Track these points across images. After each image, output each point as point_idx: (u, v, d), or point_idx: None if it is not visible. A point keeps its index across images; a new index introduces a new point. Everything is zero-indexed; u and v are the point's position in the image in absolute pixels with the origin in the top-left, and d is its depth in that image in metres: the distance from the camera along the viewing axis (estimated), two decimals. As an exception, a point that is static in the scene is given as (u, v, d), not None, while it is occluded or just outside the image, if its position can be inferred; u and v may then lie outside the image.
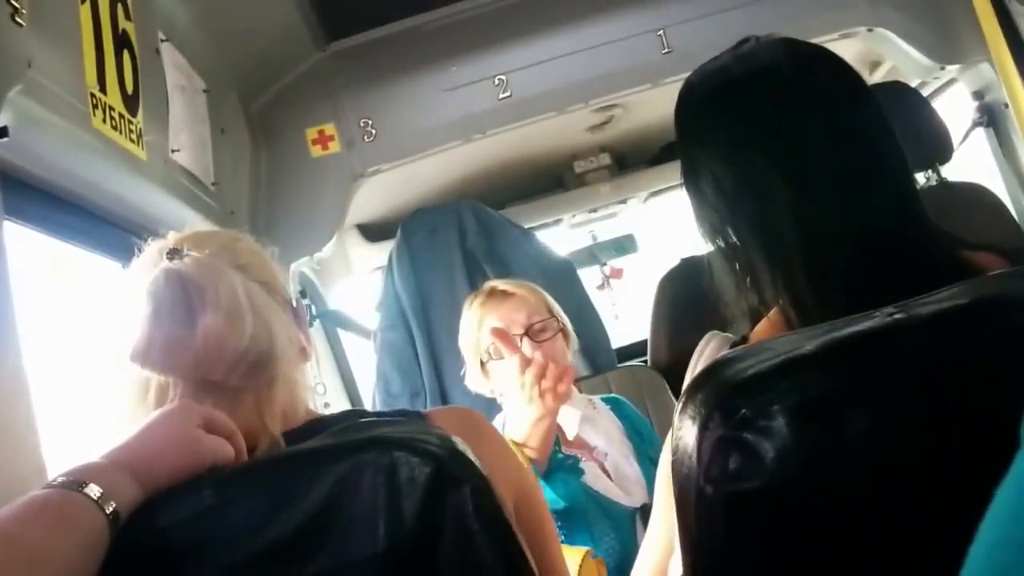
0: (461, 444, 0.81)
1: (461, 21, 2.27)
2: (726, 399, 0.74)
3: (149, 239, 0.97)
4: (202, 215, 1.80)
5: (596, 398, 1.90)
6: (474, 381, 1.82)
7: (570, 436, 1.74)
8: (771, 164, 0.89)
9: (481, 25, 2.26)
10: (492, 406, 1.84)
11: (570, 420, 1.75)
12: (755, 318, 0.95)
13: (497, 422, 1.73)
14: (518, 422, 1.56)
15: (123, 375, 0.88)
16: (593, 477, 1.68)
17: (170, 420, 0.79)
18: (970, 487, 0.47)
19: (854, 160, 0.89)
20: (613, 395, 1.98)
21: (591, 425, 1.79)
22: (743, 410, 0.72)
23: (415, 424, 0.85)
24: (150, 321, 0.84)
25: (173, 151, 1.65)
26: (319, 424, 0.91)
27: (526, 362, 1.53)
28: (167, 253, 0.90)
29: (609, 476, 1.71)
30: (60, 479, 0.71)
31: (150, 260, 0.92)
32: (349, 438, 0.82)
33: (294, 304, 1.00)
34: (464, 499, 0.77)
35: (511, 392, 1.58)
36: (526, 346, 1.69)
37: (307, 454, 0.79)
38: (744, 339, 0.94)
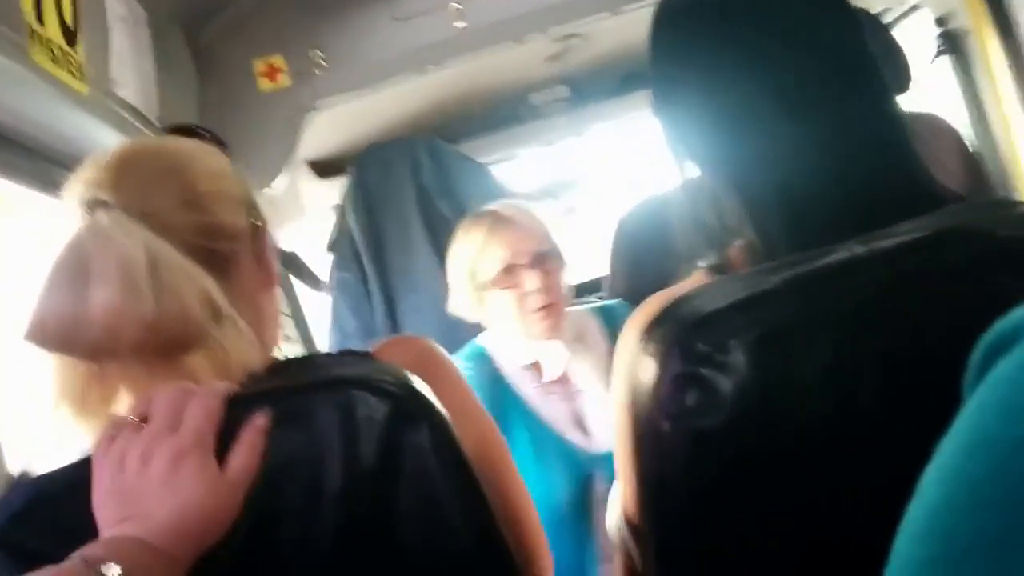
0: (419, 382, 0.81)
1: (414, -54, 2.20)
2: (685, 335, 0.74)
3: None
4: (148, 151, 1.74)
5: (588, 311, 1.82)
6: (460, 306, 1.75)
7: (554, 375, 1.71)
8: (752, 87, 0.83)
9: None
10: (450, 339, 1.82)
11: (556, 357, 1.72)
12: (722, 249, 0.88)
13: (479, 342, 1.77)
14: (517, 349, 1.71)
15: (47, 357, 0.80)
16: (555, 418, 1.66)
17: (196, 475, 0.72)
18: (923, 423, 0.46)
19: (835, 86, 0.84)
20: (609, 304, 1.87)
21: (576, 358, 1.73)
22: (701, 345, 0.72)
23: (371, 363, 0.84)
24: (45, 294, 0.77)
25: (116, 85, 1.59)
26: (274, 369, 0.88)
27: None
28: (87, 205, 0.81)
29: (574, 419, 1.68)
30: (81, 554, 0.64)
31: (71, 212, 0.83)
32: (305, 379, 0.81)
33: (257, 229, 0.91)
34: (422, 437, 0.77)
35: (509, 321, 1.69)
36: (533, 277, 1.66)
37: (262, 395, 0.78)
38: (721, 267, 0.87)
